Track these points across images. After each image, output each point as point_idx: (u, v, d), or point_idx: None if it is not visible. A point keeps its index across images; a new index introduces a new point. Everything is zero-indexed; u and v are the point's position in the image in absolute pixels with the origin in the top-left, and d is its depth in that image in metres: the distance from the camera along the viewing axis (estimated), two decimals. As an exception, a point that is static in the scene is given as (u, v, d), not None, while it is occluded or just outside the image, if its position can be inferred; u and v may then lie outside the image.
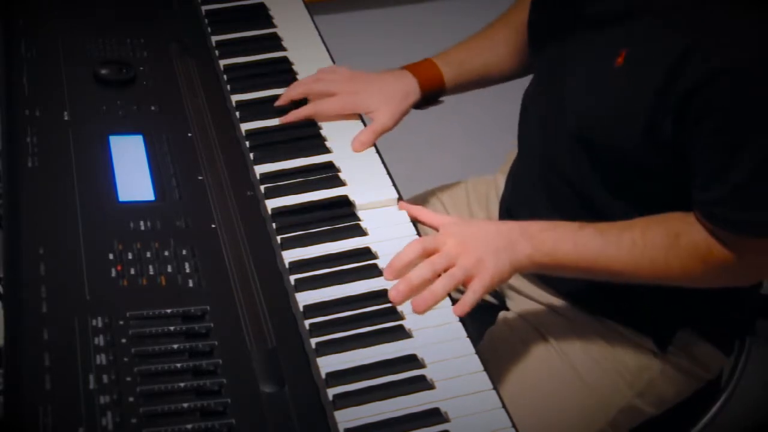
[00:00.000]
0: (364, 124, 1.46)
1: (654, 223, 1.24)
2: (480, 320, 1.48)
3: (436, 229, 1.27)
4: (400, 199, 1.33)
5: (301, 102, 1.46)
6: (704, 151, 1.16)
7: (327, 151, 1.41)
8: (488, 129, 2.54)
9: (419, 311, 1.17)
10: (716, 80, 1.11)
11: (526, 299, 1.50)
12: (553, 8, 1.35)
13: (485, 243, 1.22)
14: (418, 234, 1.28)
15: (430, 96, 1.50)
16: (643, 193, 1.28)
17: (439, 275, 1.20)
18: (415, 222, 1.31)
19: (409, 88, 1.47)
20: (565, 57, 1.31)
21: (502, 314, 1.51)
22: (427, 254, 1.22)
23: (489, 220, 1.27)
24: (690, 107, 1.14)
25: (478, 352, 1.14)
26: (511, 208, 1.50)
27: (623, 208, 1.28)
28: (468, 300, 1.19)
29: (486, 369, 1.12)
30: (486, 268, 1.20)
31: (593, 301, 1.42)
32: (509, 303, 1.53)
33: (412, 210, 1.31)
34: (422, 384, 1.09)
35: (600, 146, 1.27)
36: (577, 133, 1.29)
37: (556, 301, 1.46)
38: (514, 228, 1.25)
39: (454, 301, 1.20)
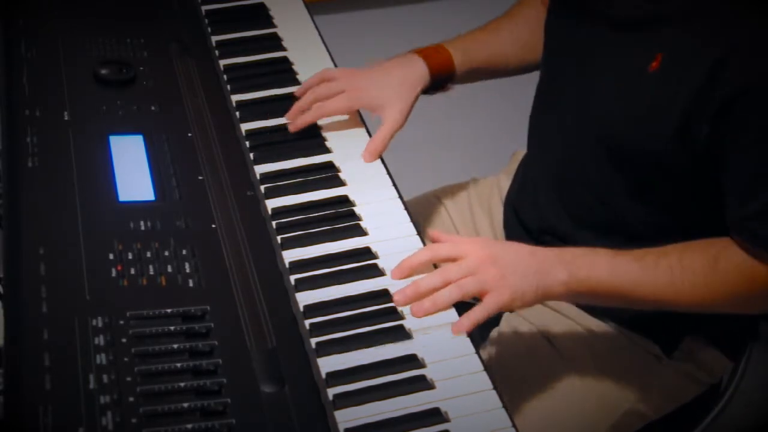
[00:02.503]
0: (365, 125, 1.45)
1: (691, 248, 1.20)
2: (484, 322, 1.47)
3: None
4: (400, 199, 1.33)
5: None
6: (741, 163, 1.14)
7: (327, 151, 1.40)
8: (490, 130, 2.53)
9: (416, 317, 1.16)
10: (755, 90, 1.09)
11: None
12: (574, 11, 1.33)
13: (516, 262, 1.18)
14: (419, 234, 1.28)
15: (439, 81, 1.47)
16: (663, 197, 1.27)
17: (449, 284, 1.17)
18: (415, 220, 1.30)
19: (418, 73, 1.43)
20: (589, 59, 1.29)
21: (505, 316, 1.50)
22: (439, 261, 1.20)
23: (522, 244, 1.23)
24: (730, 115, 1.12)
25: (478, 353, 1.13)
26: (518, 209, 1.49)
27: (642, 211, 1.27)
28: (473, 316, 1.14)
29: (486, 369, 1.11)
30: (507, 286, 1.16)
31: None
32: (512, 304, 1.53)
33: (443, 239, 1.23)
34: (422, 384, 1.09)
35: (626, 149, 1.25)
36: (603, 135, 1.27)
37: (561, 303, 1.45)
38: (549, 253, 1.20)
39: (456, 304, 1.18)
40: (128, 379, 1.02)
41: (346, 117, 1.46)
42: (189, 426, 0.99)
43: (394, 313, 1.17)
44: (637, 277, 1.20)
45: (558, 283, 1.19)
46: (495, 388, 1.09)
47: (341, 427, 1.03)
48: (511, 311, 1.39)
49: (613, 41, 1.26)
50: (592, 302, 1.24)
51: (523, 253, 1.20)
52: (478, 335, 1.19)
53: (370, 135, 1.44)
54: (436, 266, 1.22)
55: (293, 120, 1.42)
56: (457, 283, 1.16)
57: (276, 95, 1.50)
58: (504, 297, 1.16)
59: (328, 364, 1.10)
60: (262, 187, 1.33)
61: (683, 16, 1.17)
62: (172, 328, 1.08)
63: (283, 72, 1.55)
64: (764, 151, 1.12)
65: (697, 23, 1.16)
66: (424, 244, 1.26)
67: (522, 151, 1.57)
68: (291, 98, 1.49)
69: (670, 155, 1.20)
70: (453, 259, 1.19)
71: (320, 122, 1.45)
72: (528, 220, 1.47)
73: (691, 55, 1.15)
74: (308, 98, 1.42)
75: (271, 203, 1.31)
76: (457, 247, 1.19)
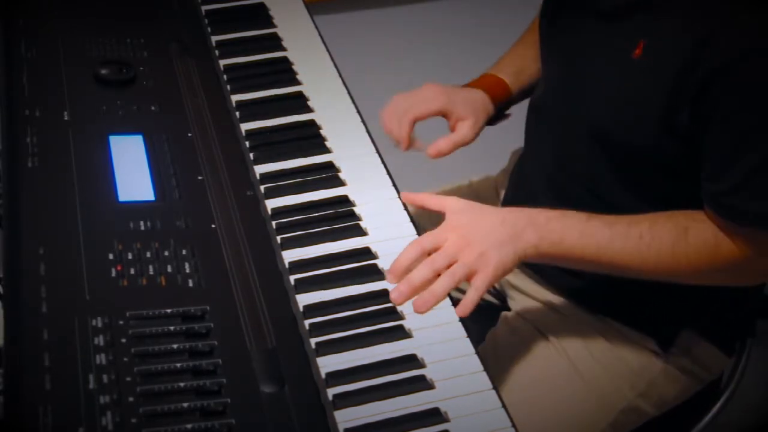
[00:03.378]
0: (365, 125, 1.45)
1: (662, 218, 1.23)
2: (482, 321, 1.47)
3: (442, 214, 1.25)
4: (400, 199, 1.33)
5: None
6: (718, 138, 1.16)
7: (327, 151, 1.41)
8: (490, 129, 2.53)
9: (420, 312, 1.16)
10: (733, 67, 1.11)
11: (528, 299, 1.49)
12: (565, 4, 1.35)
13: (489, 235, 1.20)
14: (418, 234, 1.28)
15: (500, 109, 1.50)
16: (659, 192, 1.28)
17: (441, 273, 1.19)
18: (415, 220, 1.31)
19: (485, 103, 1.47)
20: (578, 53, 1.31)
21: (503, 314, 1.50)
22: (427, 253, 1.21)
23: (494, 208, 1.25)
24: (707, 95, 1.14)
25: (478, 353, 1.14)
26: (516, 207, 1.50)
27: (638, 206, 1.28)
28: (470, 298, 1.17)
29: (486, 369, 1.11)
30: (489, 262, 1.18)
31: (596, 300, 1.42)
32: (511, 303, 1.53)
33: (415, 198, 1.29)
34: (422, 384, 1.09)
35: (617, 141, 1.26)
36: (594, 127, 1.28)
37: (559, 301, 1.45)
38: (519, 217, 1.22)
39: (454, 302, 1.19)
40: (128, 379, 1.02)
41: (346, 117, 1.46)
42: (189, 426, 0.99)
43: (393, 313, 1.17)
44: (607, 242, 1.22)
45: (529, 246, 1.21)
46: (494, 387, 1.09)
47: (341, 427, 1.03)
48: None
49: (598, 32, 1.27)
50: (562, 264, 1.26)
51: (495, 223, 1.22)
52: (476, 334, 1.19)
53: (370, 135, 1.44)
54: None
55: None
56: (448, 272, 1.18)
57: (276, 95, 1.50)
58: (488, 273, 1.18)
59: (328, 364, 1.10)
60: (262, 187, 1.33)
61: (664, 2, 1.19)
62: (171, 328, 1.08)
63: (283, 72, 1.55)
64: (742, 123, 1.14)
65: (677, 9, 1.17)
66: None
67: (520, 148, 1.58)
68: (291, 98, 1.49)
69: (659, 144, 1.22)
70: (436, 249, 1.20)
71: (320, 122, 1.45)
72: None
73: (672, 40, 1.17)
74: (403, 118, 1.42)
75: (271, 203, 1.31)
76: (435, 237, 1.21)
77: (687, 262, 1.22)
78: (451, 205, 1.25)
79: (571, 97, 1.32)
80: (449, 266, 1.18)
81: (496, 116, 1.50)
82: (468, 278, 1.19)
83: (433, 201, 1.27)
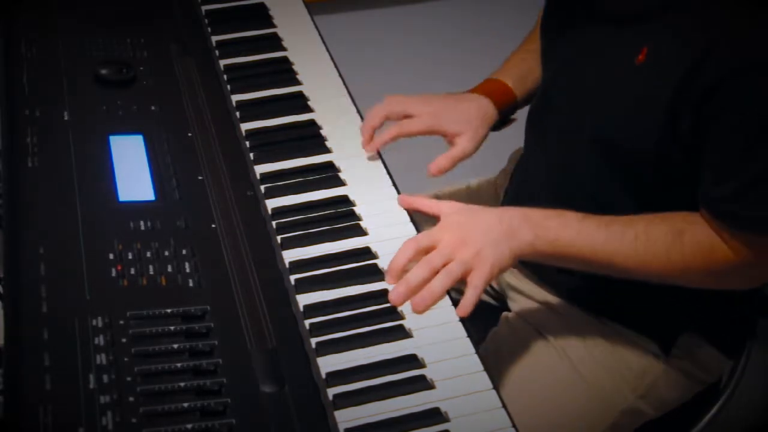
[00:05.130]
0: (362, 119, 1.45)
1: (658, 219, 1.23)
2: (482, 321, 1.48)
3: (438, 218, 1.26)
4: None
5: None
6: (719, 146, 1.16)
7: (327, 151, 1.41)
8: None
9: (419, 311, 1.17)
10: (737, 77, 1.11)
11: (528, 300, 1.49)
12: (567, 7, 1.34)
13: (484, 233, 1.21)
14: (418, 233, 1.28)
15: (505, 114, 1.48)
16: (659, 197, 1.28)
17: (438, 272, 1.19)
18: (414, 219, 1.31)
19: (487, 110, 1.45)
20: (580, 57, 1.30)
21: (504, 315, 1.50)
22: (423, 252, 1.21)
23: (490, 208, 1.26)
24: (710, 103, 1.14)
25: (478, 353, 1.14)
26: None
27: (638, 211, 1.28)
28: (469, 298, 1.17)
29: (486, 369, 1.11)
30: (485, 260, 1.19)
31: (597, 302, 1.42)
32: (511, 304, 1.53)
33: (412, 202, 1.30)
34: (422, 384, 1.09)
35: (618, 146, 1.26)
36: (595, 133, 1.28)
37: (559, 302, 1.45)
38: (515, 215, 1.23)
39: (454, 302, 1.19)
40: (128, 379, 1.02)
41: (346, 117, 1.46)
42: (189, 426, 0.99)
43: (393, 313, 1.17)
44: (602, 242, 1.22)
45: (525, 244, 1.21)
46: (495, 388, 1.09)
47: (341, 427, 1.03)
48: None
49: (602, 37, 1.27)
50: (557, 263, 1.26)
51: (491, 222, 1.22)
52: (477, 334, 1.20)
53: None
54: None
55: (367, 139, 1.40)
56: (444, 270, 1.18)
57: (276, 95, 1.50)
58: (485, 271, 1.18)
59: (328, 364, 1.10)
60: (262, 187, 1.33)
61: (668, 9, 1.19)
62: (172, 328, 1.08)
63: (283, 72, 1.55)
64: (745, 132, 1.14)
65: (681, 16, 1.17)
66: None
67: (520, 150, 1.57)
68: (291, 98, 1.49)
69: (661, 150, 1.21)
70: (432, 248, 1.20)
71: (320, 122, 1.45)
72: None
73: (675, 48, 1.17)
74: (380, 115, 1.41)
75: (271, 203, 1.31)
76: (431, 236, 1.22)
77: (682, 264, 1.22)
78: (445, 207, 1.26)
79: (574, 100, 1.32)
80: (446, 265, 1.19)
81: (501, 121, 1.49)
82: (465, 276, 1.19)
83: (427, 204, 1.28)
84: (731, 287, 1.31)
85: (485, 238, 1.20)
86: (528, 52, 1.54)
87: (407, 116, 1.42)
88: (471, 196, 1.65)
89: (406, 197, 1.31)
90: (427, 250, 1.21)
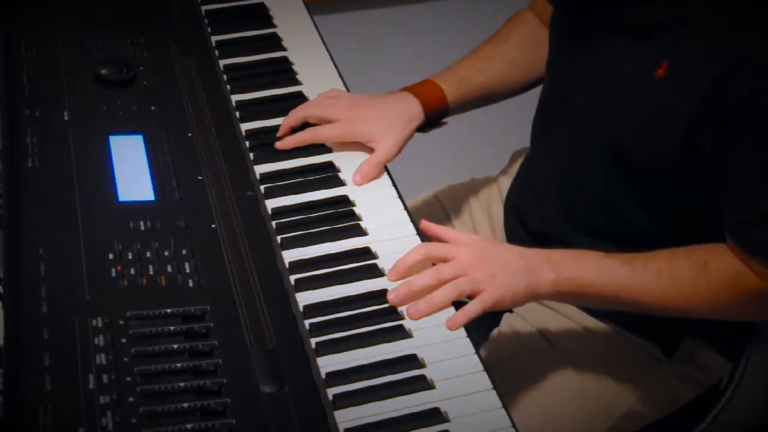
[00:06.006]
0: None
1: (681, 253, 1.21)
2: (483, 321, 1.47)
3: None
4: (400, 198, 1.33)
5: (301, 127, 1.42)
6: (742, 169, 1.14)
7: (327, 151, 1.41)
8: (490, 129, 2.53)
9: (413, 318, 1.16)
10: (759, 97, 1.10)
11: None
12: (581, 16, 1.32)
13: (504, 262, 1.19)
14: (418, 233, 1.28)
15: (434, 117, 1.46)
16: (667, 206, 1.27)
17: (443, 284, 1.17)
18: (414, 220, 1.30)
19: (413, 111, 1.43)
20: (594, 66, 1.29)
21: (506, 316, 1.50)
22: (433, 260, 1.20)
23: (510, 244, 1.24)
24: (732, 122, 1.12)
25: (478, 353, 1.13)
26: (520, 210, 1.49)
27: (645, 218, 1.27)
28: (468, 310, 1.16)
29: (486, 370, 1.11)
30: (499, 284, 1.17)
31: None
32: (512, 305, 1.53)
33: (435, 231, 1.26)
34: (422, 384, 1.09)
35: (633, 157, 1.25)
36: (607, 142, 1.27)
37: (561, 304, 1.44)
38: (537, 254, 1.22)
39: (456, 306, 1.19)
40: (128, 379, 1.02)
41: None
42: (189, 426, 0.99)
43: (393, 313, 1.17)
44: (625, 280, 1.21)
45: (546, 282, 1.20)
46: (495, 388, 1.09)
47: (341, 427, 1.03)
48: (503, 309, 1.40)
49: (619, 48, 1.25)
50: (579, 303, 1.25)
51: (513, 254, 1.21)
52: (478, 335, 1.19)
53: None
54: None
55: (283, 133, 1.40)
56: (451, 283, 1.17)
57: (276, 95, 1.50)
58: (495, 294, 1.17)
59: (328, 364, 1.10)
60: (262, 187, 1.33)
61: (689, 24, 1.17)
62: (172, 328, 1.08)
63: (283, 72, 1.55)
64: (763, 157, 1.12)
65: (703, 32, 1.15)
66: (424, 244, 1.26)
67: (522, 150, 1.57)
68: (291, 98, 1.49)
69: (675, 164, 1.20)
70: (445, 260, 1.19)
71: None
72: (530, 221, 1.46)
73: (697, 64, 1.15)
74: (298, 115, 1.41)
75: (271, 203, 1.31)
76: (449, 249, 1.20)
77: (708, 297, 1.20)
78: (466, 236, 1.24)
79: (586, 108, 1.31)
80: (455, 279, 1.18)
81: (429, 124, 1.46)
82: (471, 294, 1.18)
83: (450, 234, 1.25)
84: (758, 318, 1.29)
85: (504, 266, 1.19)
86: (476, 60, 1.52)
87: (326, 121, 1.40)
88: (471, 196, 1.65)
89: (428, 224, 1.27)
90: (438, 260, 1.20)
